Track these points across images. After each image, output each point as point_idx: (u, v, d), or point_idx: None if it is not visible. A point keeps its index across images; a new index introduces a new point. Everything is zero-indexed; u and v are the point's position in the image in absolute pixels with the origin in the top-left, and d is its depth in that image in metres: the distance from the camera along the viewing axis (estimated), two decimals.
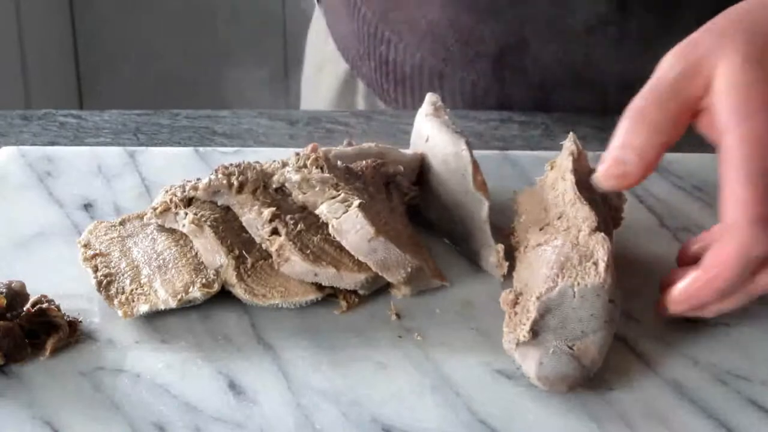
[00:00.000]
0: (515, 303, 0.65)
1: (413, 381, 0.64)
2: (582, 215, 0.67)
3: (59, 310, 0.67)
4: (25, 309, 0.67)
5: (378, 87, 1.04)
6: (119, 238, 0.74)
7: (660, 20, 0.91)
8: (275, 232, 0.70)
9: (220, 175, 0.72)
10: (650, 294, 0.69)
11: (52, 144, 0.93)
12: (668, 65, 0.65)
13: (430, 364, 0.65)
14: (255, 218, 0.71)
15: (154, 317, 0.69)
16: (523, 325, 0.63)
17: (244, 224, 0.71)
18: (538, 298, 0.63)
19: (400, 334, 0.68)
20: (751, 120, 0.61)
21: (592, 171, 0.69)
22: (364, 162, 0.76)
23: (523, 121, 0.96)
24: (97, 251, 0.73)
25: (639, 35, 0.91)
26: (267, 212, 0.70)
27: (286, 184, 0.72)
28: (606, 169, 0.65)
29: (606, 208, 0.72)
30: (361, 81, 1.07)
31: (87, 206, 0.81)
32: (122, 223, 0.75)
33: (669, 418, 0.61)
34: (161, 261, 0.71)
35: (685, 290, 0.64)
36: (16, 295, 0.66)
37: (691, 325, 0.68)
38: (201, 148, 0.90)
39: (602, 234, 0.66)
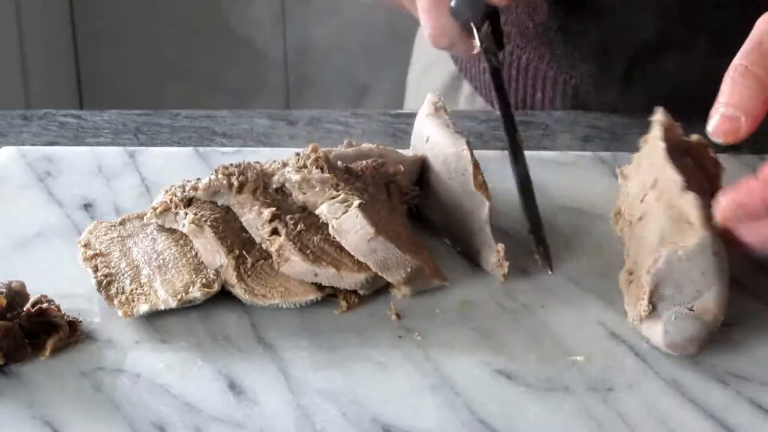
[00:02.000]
0: (630, 281, 0.67)
1: (413, 381, 0.64)
2: (671, 177, 0.68)
3: (59, 310, 0.67)
4: (24, 309, 0.67)
5: (484, 88, 1.07)
6: (119, 238, 0.74)
7: None
8: (275, 232, 0.70)
9: (220, 175, 0.72)
10: None
11: (52, 144, 0.93)
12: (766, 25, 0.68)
13: (430, 364, 0.65)
14: (255, 218, 0.71)
15: (154, 317, 0.69)
16: (642, 300, 0.64)
17: (244, 224, 0.71)
18: (648, 272, 0.64)
19: (400, 334, 0.68)
20: None
21: (684, 142, 0.71)
22: (364, 162, 0.76)
23: (523, 121, 0.96)
24: (97, 251, 0.73)
25: None
26: (267, 212, 0.70)
27: (287, 185, 0.72)
28: (715, 126, 0.67)
29: (702, 175, 0.72)
30: (468, 82, 1.10)
31: (87, 206, 0.81)
32: (122, 223, 0.75)
33: (669, 418, 0.61)
34: (161, 261, 0.71)
35: (733, 197, 0.65)
36: (16, 295, 0.66)
37: None
38: (201, 148, 0.90)
39: (692, 193, 0.66)
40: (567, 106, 1.03)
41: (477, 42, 0.85)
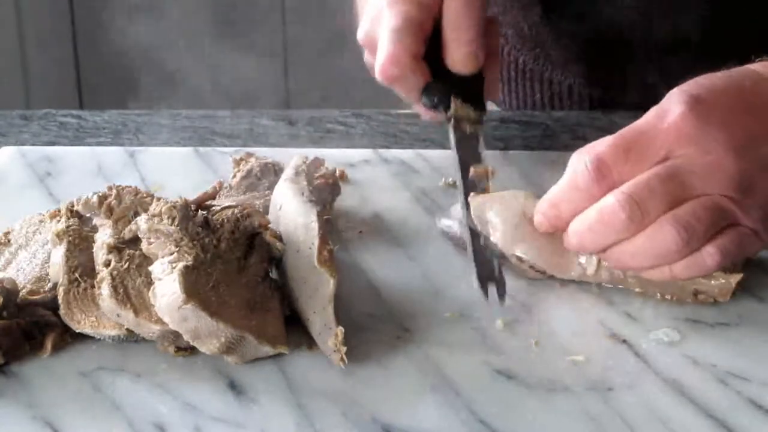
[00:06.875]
0: None
1: (413, 381, 0.64)
2: None
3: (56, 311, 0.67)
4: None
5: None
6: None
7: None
8: (108, 263, 0.67)
9: (95, 196, 0.70)
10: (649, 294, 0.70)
11: (52, 144, 0.93)
12: None
13: (430, 364, 0.65)
14: (100, 245, 0.68)
15: None
16: None
17: (94, 248, 0.69)
18: None
19: (399, 334, 0.68)
20: None
21: None
22: (229, 212, 0.70)
23: (523, 121, 0.96)
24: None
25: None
26: (108, 241, 0.68)
27: (138, 233, 0.68)
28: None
29: None
30: None
31: None
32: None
33: (669, 418, 0.61)
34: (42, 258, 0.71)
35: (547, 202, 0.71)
36: (9, 293, 0.66)
37: (691, 325, 0.68)
38: (201, 148, 0.90)
39: None
40: (565, 107, 1.03)
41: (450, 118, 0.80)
